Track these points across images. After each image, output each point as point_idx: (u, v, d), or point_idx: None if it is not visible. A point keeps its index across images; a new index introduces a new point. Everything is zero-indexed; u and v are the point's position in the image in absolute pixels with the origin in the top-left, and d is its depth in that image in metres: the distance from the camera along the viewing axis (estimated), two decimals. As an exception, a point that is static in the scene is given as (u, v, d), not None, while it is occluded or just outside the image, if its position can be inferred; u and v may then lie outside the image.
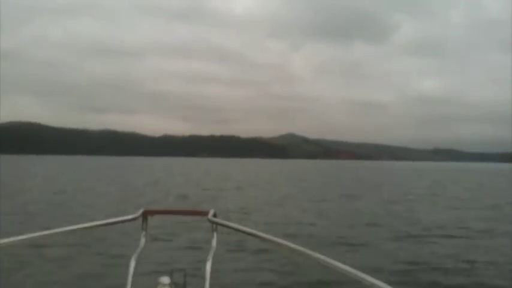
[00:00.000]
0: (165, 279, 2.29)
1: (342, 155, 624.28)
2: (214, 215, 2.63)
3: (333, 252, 10.40)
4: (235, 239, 9.70)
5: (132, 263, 2.49)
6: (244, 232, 2.48)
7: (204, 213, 2.66)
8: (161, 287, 2.28)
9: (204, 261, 2.47)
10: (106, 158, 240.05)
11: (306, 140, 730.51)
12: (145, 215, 2.63)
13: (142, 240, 2.62)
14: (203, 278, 2.39)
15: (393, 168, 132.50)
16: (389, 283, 1.75)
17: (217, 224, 2.59)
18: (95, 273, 8.34)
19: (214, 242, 2.57)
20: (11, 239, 2.22)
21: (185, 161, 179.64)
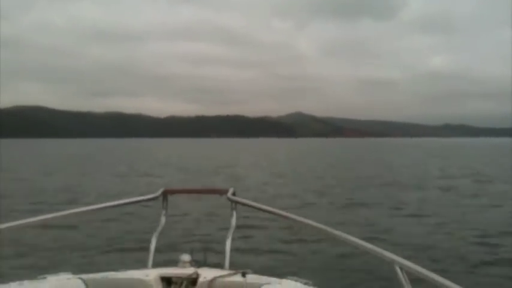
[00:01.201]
0: (186, 257, 2.36)
1: (351, 133, 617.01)
2: (234, 194, 2.65)
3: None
4: (254, 217, 9.52)
5: (153, 241, 2.56)
6: (263, 210, 2.53)
7: (223, 192, 2.67)
8: (182, 264, 2.34)
9: (224, 239, 2.52)
10: (110, 141, 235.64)
11: (314, 119, 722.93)
12: (165, 194, 2.68)
13: (163, 219, 2.66)
14: (223, 255, 2.43)
15: (407, 145, 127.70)
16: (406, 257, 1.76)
17: (236, 202, 2.61)
18: (118, 251, 8.45)
19: (233, 220, 2.60)
20: (42, 217, 2.35)
21: (190, 142, 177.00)
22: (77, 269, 2.27)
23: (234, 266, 2.34)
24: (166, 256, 2.46)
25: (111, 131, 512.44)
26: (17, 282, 2.00)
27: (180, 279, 2.24)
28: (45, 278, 2.14)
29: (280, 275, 2.18)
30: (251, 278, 2.16)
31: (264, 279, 2.17)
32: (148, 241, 2.58)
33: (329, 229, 2.16)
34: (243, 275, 2.16)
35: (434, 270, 1.63)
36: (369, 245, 1.96)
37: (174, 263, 2.37)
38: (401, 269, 1.77)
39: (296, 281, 2.16)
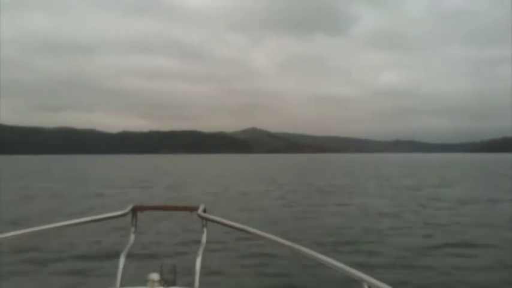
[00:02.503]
0: (155, 276, 2.30)
1: (306, 149, 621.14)
2: (204, 211, 2.63)
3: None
4: (224, 234, 9.61)
5: (122, 259, 2.50)
6: (233, 227, 2.49)
7: (194, 209, 2.66)
8: (151, 283, 2.28)
9: (194, 257, 2.48)
10: (59, 157, 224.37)
11: (269, 134, 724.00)
12: (134, 210, 2.64)
13: (132, 236, 2.62)
14: (193, 273, 2.40)
15: (359, 160, 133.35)
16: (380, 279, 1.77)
17: (206, 219, 2.59)
18: (84, 269, 8.27)
19: (204, 238, 2.58)
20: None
21: (140, 159, 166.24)
22: None
23: (204, 285, 2.33)
24: (134, 275, 2.40)
25: (62, 147, 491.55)
26: None
27: None
28: None
29: None
30: None
31: None
32: (117, 259, 2.50)
33: (298, 247, 2.14)
34: None
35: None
36: (338, 263, 1.96)
37: (142, 282, 2.31)
38: (369, 287, 1.78)
39: None
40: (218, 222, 2.55)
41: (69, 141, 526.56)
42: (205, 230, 2.60)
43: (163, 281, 2.30)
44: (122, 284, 2.40)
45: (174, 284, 2.33)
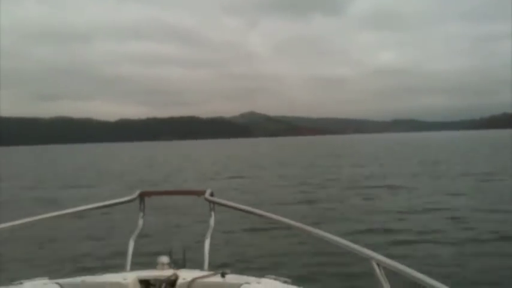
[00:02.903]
0: (164, 259, 2.34)
1: (306, 131, 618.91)
2: (211, 194, 2.66)
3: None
4: (232, 217, 9.58)
5: (131, 244, 2.56)
6: (241, 210, 2.54)
7: (201, 193, 2.69)
8: (161, 266, 2.32)
9: (202, 240, 2.54)
10: (56, 147, 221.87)
11: (267, 118, 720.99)
12: (142, 196, 2.68)
13: (140, 222, 2.68)
14: (202, 256, 2.45)
15: (358, 142, 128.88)
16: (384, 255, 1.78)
17: (214, 202, 2.63)
18: (95, 254, 8.40)
19: (211, 221, 2.63)
20: (10, 223, 2.29)
21: (138, 147, 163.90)
22: (54, 274, 2.24)
23: (213, 267, 2.35)
24: (144, 258, 2.42)
25: (59, 137, 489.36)
26: None
27: (159, 281, 2.22)
28: (21, 283, 2.10)
29: (259, 274, 2.19)
30: (230, 278, 2.16)
31: (243, 278, 2.17)
32: (126, 244, 2.57)
33: (306, 227, 2.18)
34: (222, 275, 2.16)
35: (411, 266, 1.66)
36: (346, 242, 1.97)
37: (152, 265, 2.35)
38: (378, 265, 1.79)
39: (275, 279, 2.16)
40: (226, 205, 2.58)
41: (66, 131, 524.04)
42: (212, 213, 2.64)
43: (172, 263, 2.34)
44: (132, 268, 2.42)
45: (183, 267, 2.35)
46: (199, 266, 2.39)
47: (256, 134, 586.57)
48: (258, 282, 2.11)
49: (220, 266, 2.22)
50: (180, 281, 2.18)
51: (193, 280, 2.15)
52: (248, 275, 2.18)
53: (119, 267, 2.46)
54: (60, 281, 2.15)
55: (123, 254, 2.55)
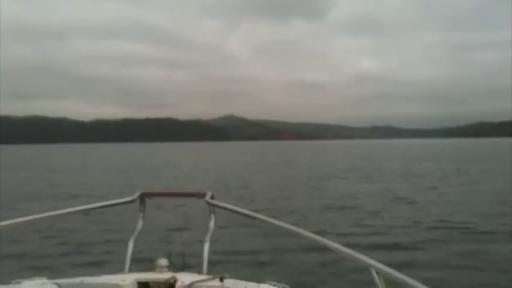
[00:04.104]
0: (163, 261, 2.33)
1: (286, 136, 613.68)
2: (212, 197, 2.65)
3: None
4: (232, 221, 9.53)
5: (130, 245, 2.55)
6: (241, 214, 2.52)
7: (202, 195, 2.68)
8: (159, 268, 2.31)
9: (202, 243, 2.51)
10: (27, 147, 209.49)
11: (246, 122, 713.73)
12: (142, 197, 2.67)
13: (140, 223, 2.67)
14: (201, 259, 2.43)
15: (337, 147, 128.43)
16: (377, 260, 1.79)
17: (214, 205, 2.62)
18: (94, 255, 8.37)
19: (211, 224, 2.62)
20: (8, 222, 2.29)
21: (109, 149, 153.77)
22: (52, 274, 2.24)
23: (212, 271, 2.34)
24: (143, 260, 2.45)
25: (32, 136, 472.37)
26: None
27: (157, 283, 2.21)
28: (19, 283, 2.09)
29: (258, 279, 2.19)
30: (229, 282, 2.14)
31: (242, 283, 2.16)
32: (125, 245, 2.56)
33: (306, 233, 2.17)
34: (221, 279, 2.14)
35: (410, 274, 1.67)
36: (346, 249, 1.97)
37: (151, 267, 2.34)
38: (377, 273, 1.78)
39: (274, 285, 2.15)
40: (226, 209, 2.57)
41: (40, 131, 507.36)
42: (212, 216, 2.63)
43: (171, 266, 2.33)
44: (130, 269, 2.42)
45: (182, 269, 2.35)
46: (198, 269, 2.37)
47: (234, 138, 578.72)
48: None
49: (219, 270, 2.20)
50: (178, 284, 2.17)
51: (192, 284, 2.14)
52: (247, 280, 2.18)
53: (118, 269, 2.45)
54: (59, 281, 2.14)
55: (122, 255, 2.52)
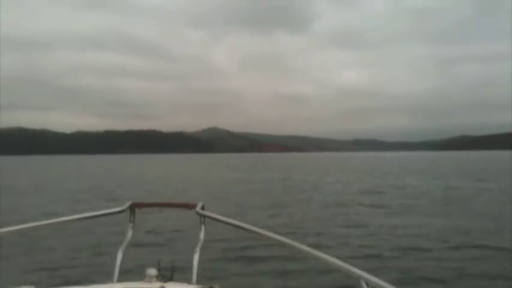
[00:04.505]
0: (152, 271, 2.31)
1: (270, 148, 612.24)
2: (202, 208, 2.64)
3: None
4: (222, 232, 9.09)
5: (119, 255, 2.52)
6: (231, 225, 2.51)
7: (192, 206, 2.67)
8: (148, 278, 2.30)
9: (192, 253, 2.49)
10: (8, 158, 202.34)
11: (230, 134, 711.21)
12: (132, 207, 2.66)
13: (130, 233, 2.63)
14: (190, 269, 2.41)
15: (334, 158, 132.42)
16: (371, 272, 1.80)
17: (205, 216, 2.60)
18: (82, 265, 8.36)
19: (201, 235, 2.59)
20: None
21: (90, 160, 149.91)
22: (40, 283, 2.22)
23: (202, 281, 2.34)
24: (132, 270, 2.40)
25: (13, 147, 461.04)
26: None
27: None
28: None
29: None
30: None
31: None
32: (114, 255, 2.52)
33: (296, 244, 2.16)
34: None
35: (400, 285, 1.66)
36: (335, 260, 1.95)
37: (140, 277, 2.31)
38: (367, 284, 1.78)
39: None
40: (216, 220, 2.56)
41: (20, 142, 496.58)
42: (203, 227, 2.61)
43: (160, 276, 2.32)
44: (119, 279, 2.40)
45: (171, 280, 2.34)
46: (187, 279, 2.35)
47: (218, 150, 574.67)
48: None
49: (208, 281, 2.20)
50: None
51: None
52: None
53: (106, 278, 2.44)
54: None
55: (111, 264, 2.51)
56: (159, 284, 2.24)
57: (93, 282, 2.25)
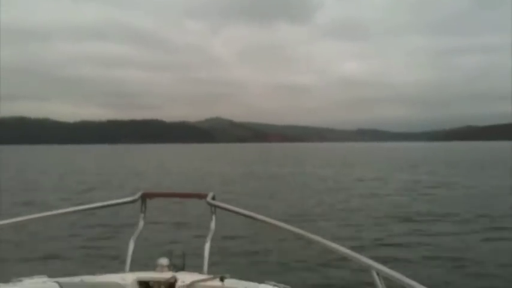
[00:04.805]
0: (164, 261, 2.34)
1: (273, 138, 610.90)
2: (213, 198, 2.65)
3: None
4: (233, 221, 8.81)
5: (131, 245, 2.55)
6: (242, 214, 2.52)
7: (203, 196, 2.67)
8: (160, 268, 2.32)
9: (203, 243, 2.52)
10: (9, 148, 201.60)
11: (233, 124, 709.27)
12: (144, 197, 2.67)
13: (141, 223, 2.66)
14: (202, 259, 2.44)
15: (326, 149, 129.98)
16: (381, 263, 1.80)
17: (215, 206, 2.62)
18: (94, 255, 8.39)
19: (212, 224, 2.61)
20: (10, 220, 2.31)
21: (92, 149, 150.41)
22: (53, 272, 2.26)
23: (213, 271, 2.33)
24: (144, 260, 2.40)
25: (13, 137, 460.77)
26: None
27: (158, 283, 2.22)
28: (20, 281, 2.09)
29: (259, 279, 2.18)
30: (229, 282, 2.13)
31: (242, 283, 2.16)
32: (126, 244, 2.55)
33: (307, 234, 2.17)
34: (222, 279, 2.12)
35: (411, 276, 1.66)
36: (346, 250, 1.96)
37: (151, 267, 2.34)
38: (378, 274, 1.78)
39: (274, 285, 2.15)
40: (227, 210, 2.58)
41: (22, 132, 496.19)
42: (213, 217, 2.62)
43: (172, 266, 2.34)
44: (131, 269, 2.42)
45: (183, 269, 2.35)
46: (198, 269, 2.37)
47: (221, 140, 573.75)
48: None
49: (219, 270, 2.18)
50: (178, 284, 2.18)
51: (192, 283, 2.15)
52: (248, 280, 2.18)
53: (118, 268, 2.45)
54: (59, 279, 2.14)
55: (123, 254, 2.53)
56: (170, 273, 2.25)
57: (105, 271, 2.25)
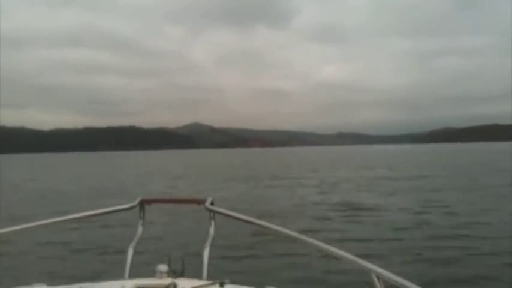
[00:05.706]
0: (163, 267, 2.32)
1: (253, 143, 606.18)
2: (212, 203, 2.64)
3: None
4: (232, 227, 8.97)
5: (130, 252, 2.53)
6: (241, 220, 2.51)
7: (202, 202, 2.67)
8: (159, 274, 2.30)
9: (202, 249, 2.51)
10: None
11: (213, 129, 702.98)
12: (142, 203, 2.66)
13: (140, 229, 2.66)
14: (201, 265, 2.43)
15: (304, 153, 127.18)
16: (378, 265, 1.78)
17: (214, 211, 2.61)
18: (93, 262, 8.37)
19: (211, 230, 2.60)
20: (7, 229, 2.28)
21: (67, 157, 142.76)
22: (52, 280, 2.23)
23: (212, 276, 2.33)
24: (143, 266, 2.40)
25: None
26: None
27: None
28: None
29: (258, 284, 2.17)
30: None
31: None
32: (125, 251, 2.54)
33: (306, 238, 2.17)
34: (221, 285, 2.12)
35: (411, 279, 1.66)
36: (346, 254, 1.96)
37: (151, 273, 2.32)
38: (377, 278, 1.78)
39: None
40: (226, 215, 2.57)
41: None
42: (212, 222, 2.61)
43: (171, 272, 2.32)
44: (130, 276, 2.41)
45: (182, 275, 2.34)
46: (198, 275, 2.37)
47: (201, 145, 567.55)
48: None
49: (219, 276, 2.18)
50: None
51: None
52: (247, 285, 2.18)
53: (118, 275, 2.44)
54: (58, 287, 2.14)
55: (122, 261, 2.51)
56: (170, 279, 2.24)
57: (104, 278, 2.25)
